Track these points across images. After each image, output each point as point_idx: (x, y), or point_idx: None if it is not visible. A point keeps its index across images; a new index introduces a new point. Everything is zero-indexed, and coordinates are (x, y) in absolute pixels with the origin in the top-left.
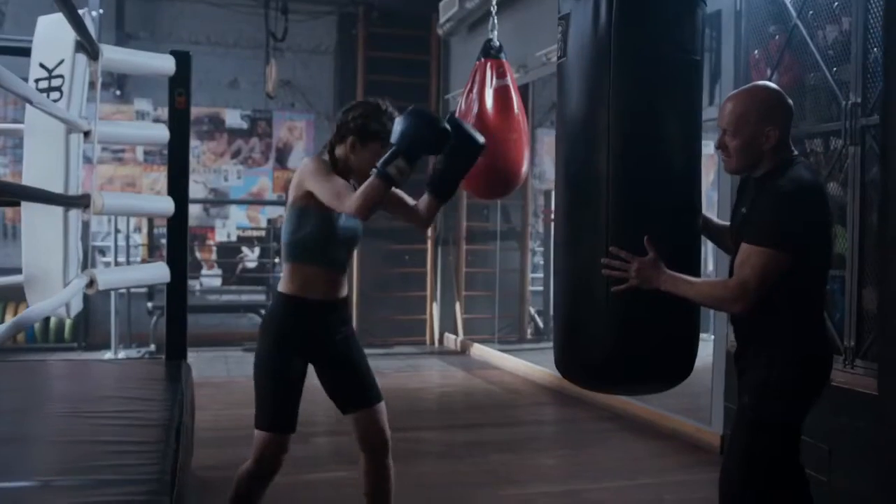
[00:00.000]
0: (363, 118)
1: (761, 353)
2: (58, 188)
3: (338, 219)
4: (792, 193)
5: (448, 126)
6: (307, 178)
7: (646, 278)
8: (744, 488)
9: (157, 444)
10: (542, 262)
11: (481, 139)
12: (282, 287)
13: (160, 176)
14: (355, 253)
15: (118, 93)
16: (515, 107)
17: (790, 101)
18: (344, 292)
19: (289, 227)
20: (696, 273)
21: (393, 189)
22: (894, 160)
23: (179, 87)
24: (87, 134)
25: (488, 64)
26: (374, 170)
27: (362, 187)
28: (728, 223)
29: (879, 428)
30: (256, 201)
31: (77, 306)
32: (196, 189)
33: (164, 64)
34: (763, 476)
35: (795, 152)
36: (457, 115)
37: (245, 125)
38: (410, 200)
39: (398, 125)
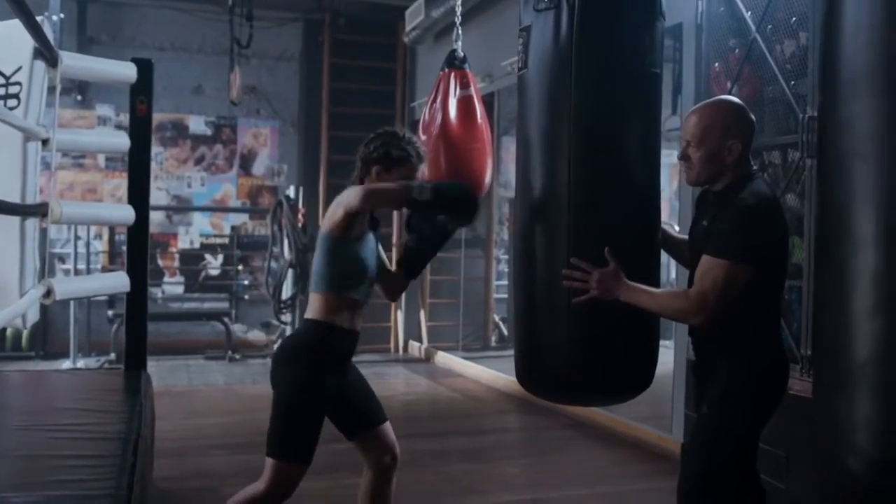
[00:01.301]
0: (384, 146)
1: (720, 365)
2: (14, 197)
3: (364, 249)
4: (753, 207)
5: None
6: (342, 200)
7: (606, 289)
8: (701, 498)
9: (114, 457)
10: (506, 270)
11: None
12: (313, 314)
13: (122, 182)
14: None
15: (79, 98)
16: (479, 117)
17: (752, 116)
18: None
19: (323, 257)
20: (656, 283)
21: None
22: (829, 171)
23: (141, 94)
24: (45, 142)
25: (452, 74)
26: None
27: (394, 188)
28: (685, 236)
29: (812, 432)
30: (220, 208)
31: (34, 317)
32: (159, 196)
33: (126, 71)
34: (721, 486)
35: (755, 167)
36: (421, 125)
37: (209, 132)
38: (390, 267)
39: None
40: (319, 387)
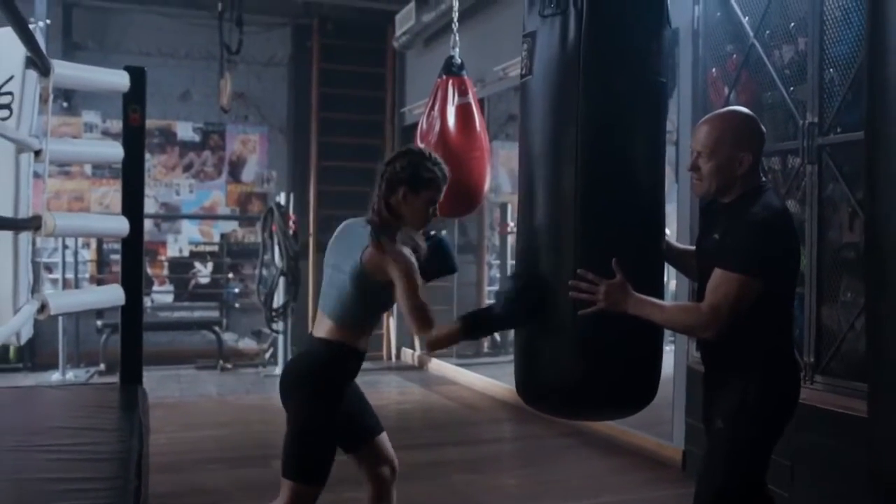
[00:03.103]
0: (413, 167)
1: (733, 378)
2: (7, 210)
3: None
4: (765, 221)
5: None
6: (394, 274)
7: (614, 301)
8: None
9: (116, 479)
10: (498, 276)
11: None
12: (328, 335)
13: (109, 190)
14: (310, 266)
15: (65, 104)
16: (478, 124)
17: (763, 129)
18: None
19: (353, 295)
20: (661, 294)
21: None
22: (882, 187)
23: (134, 103)
24: (37, 153)
25: (450, 81)
26: (463, 323)
27: (449, 332)
28: (688, 247)
29: (868, 451)
30: (209, 216)
31: (28, 333)
32: (147, 203)
33: (118, 80)
34: (736, 500)
35: (764, 178)
36: (418, 133)
37: (197, 138)
38: None
39: (513, 298)
40: (334, 410)
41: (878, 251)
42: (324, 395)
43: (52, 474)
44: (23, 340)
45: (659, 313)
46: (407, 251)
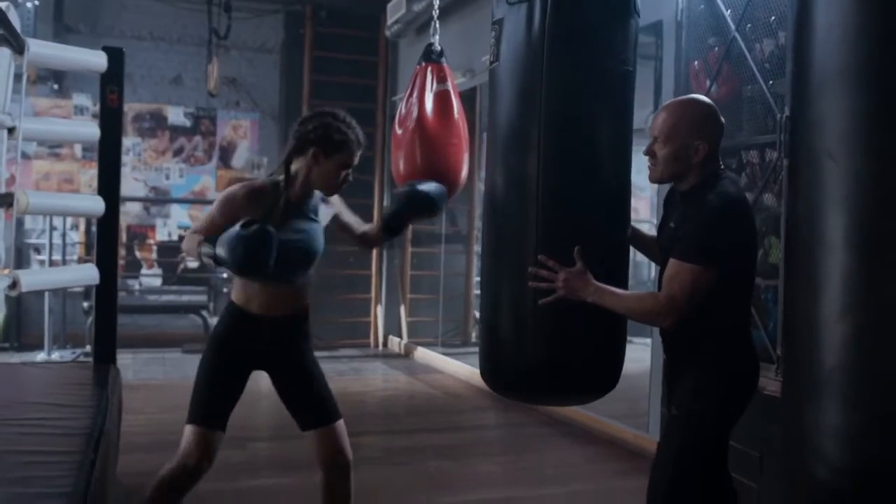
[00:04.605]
0: (324, 128)
1: (688, 367)
2: None
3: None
4: (719, 209)
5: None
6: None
7: (573, 290)
8: (671, 500)
9: (76, 454)
10: None
11: (438, 197)
12: (232, 295)
13: None
14: None
15: (56, 87)
16: (455, 111)
17: (722, 118)
18: (296, 308)
19: None
20: (624, 282)
21: (342, 216)
22: (800, 172)
23: (111, 84)
24: (11, 130)
25: (429, 68)
26: (200, 247)
27: (191, 245)
28: (654, 234)
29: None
30: (198, 200)
31: None
32: (136, 187)
33: (96, 60)
34: (691, 488)
35: (722, 166)
36: (397, 119)
37: (188, 123)
38: (358, 227)
39: (230, 242)
40: (223, 363)
41: (793, 243)
42: (213, 346)
43: (18, 447)
44: None
45: (617, 302)
46: (235, 186)
